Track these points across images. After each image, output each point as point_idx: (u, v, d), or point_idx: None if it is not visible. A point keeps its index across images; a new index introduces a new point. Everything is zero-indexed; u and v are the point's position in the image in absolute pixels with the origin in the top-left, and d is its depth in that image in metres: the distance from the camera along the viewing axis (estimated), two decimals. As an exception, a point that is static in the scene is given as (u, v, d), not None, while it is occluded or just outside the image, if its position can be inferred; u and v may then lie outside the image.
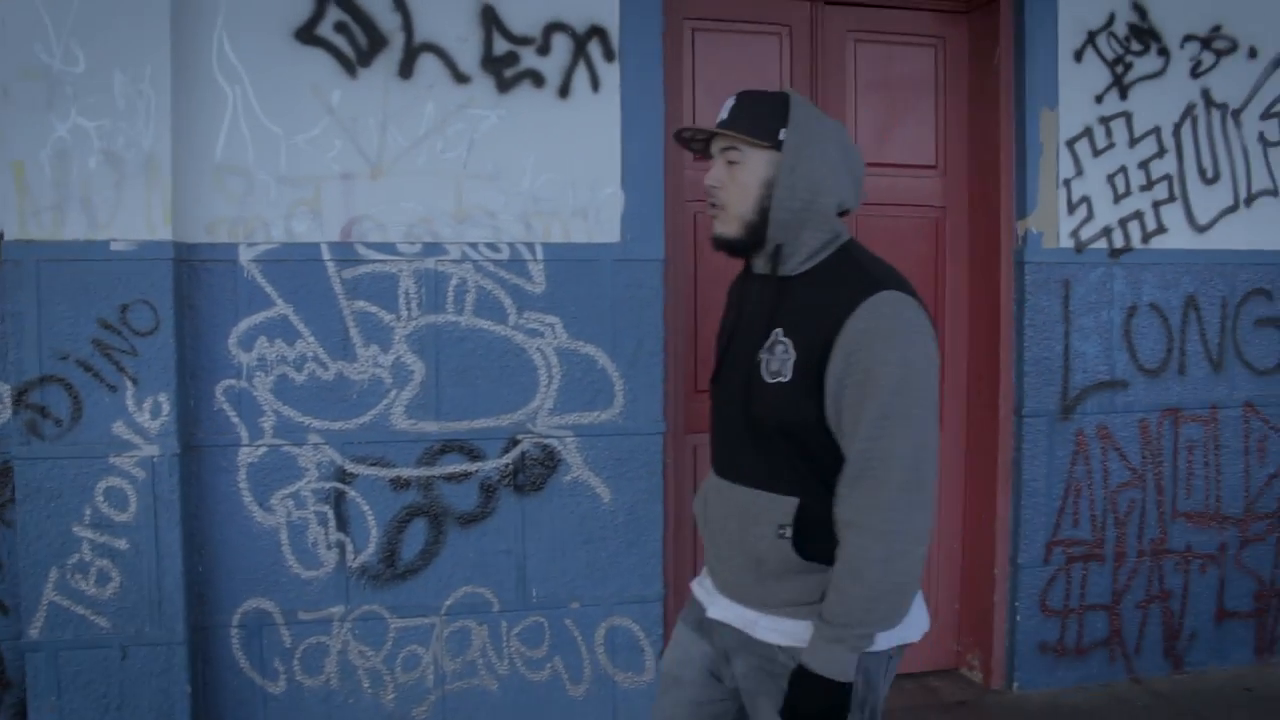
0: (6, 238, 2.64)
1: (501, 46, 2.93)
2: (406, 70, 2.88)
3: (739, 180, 1.58)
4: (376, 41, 2.86)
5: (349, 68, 2.85)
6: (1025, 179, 3.24)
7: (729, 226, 1.61)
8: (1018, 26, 3.24)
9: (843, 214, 1.63)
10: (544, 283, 2.97)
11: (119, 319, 2.67)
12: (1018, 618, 3.33)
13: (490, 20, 2.92)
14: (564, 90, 2.97)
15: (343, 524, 2.90)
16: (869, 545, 1.44)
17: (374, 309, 2.89)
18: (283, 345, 2.85)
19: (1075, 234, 3.29)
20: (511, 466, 2.98)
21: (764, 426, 1.56)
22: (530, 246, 2.95)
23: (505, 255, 2.94)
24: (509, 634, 3.01)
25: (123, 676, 2.73)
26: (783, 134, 1.55)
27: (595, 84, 2.98)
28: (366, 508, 2.90)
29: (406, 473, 2.92)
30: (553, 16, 2.95)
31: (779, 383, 1.53)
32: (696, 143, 1.69)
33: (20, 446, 2.65)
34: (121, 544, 2.69)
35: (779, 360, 1.54)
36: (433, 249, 2.90)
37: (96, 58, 2.63)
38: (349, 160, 2.86)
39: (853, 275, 1.52)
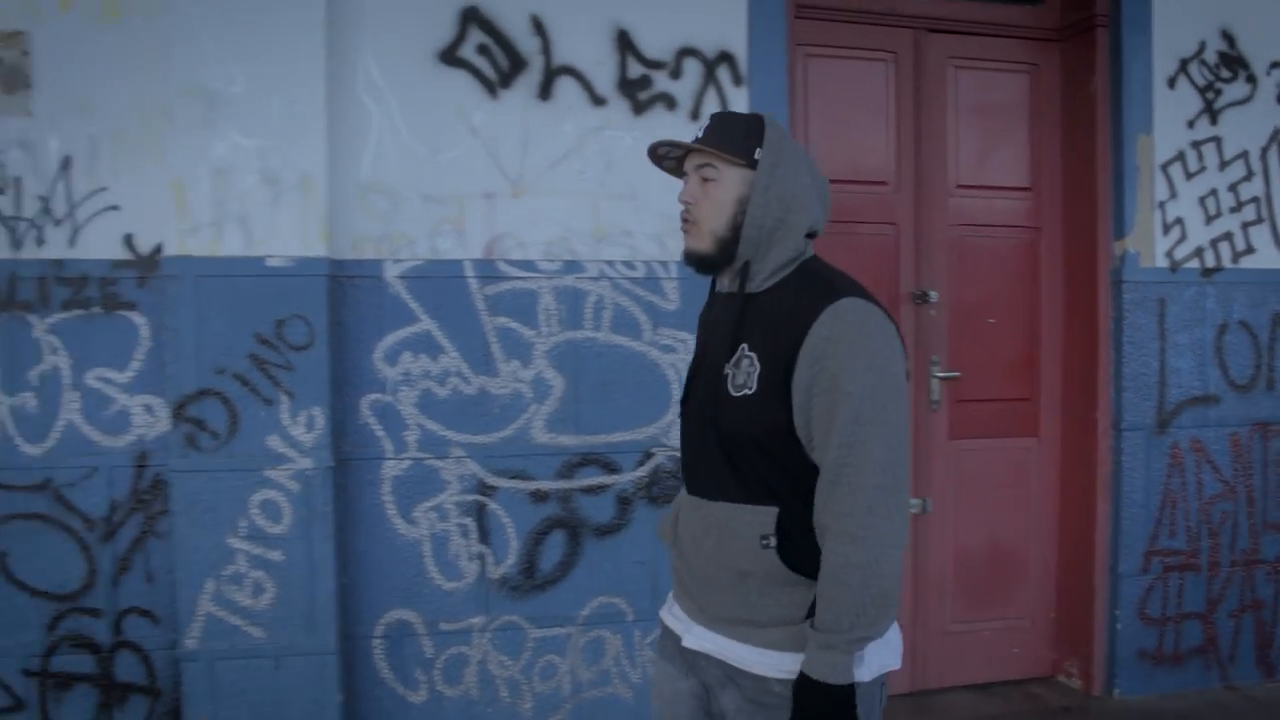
0: (167, 253, 2.69)
1: (636, 70, 3.02)
2: (545, 92, 2.97)
3: (713, 196, 1.59)
4: (516, 64, 2.95)
5: (490, 89, 2.94)
6: (1123, 201, 3.37)
7: (701, 242, 1.61)
8: (1114, 55, 3.38)
9: (810, 235, 1.64)
10: (677, 300, 3.06)
11: (275, 334, 2.72)
12: (1118, 626, 3.43)
13: (625, 45, 3.01)
14: (695, 113, 3.06)
15: (484, 536, 2.95)
16: (850, 550, 1.43)
17: (515, 325, 2.96)
18: (426, 360, 2.91)
19: (1170, 254, 3.42)
20: (646, 479, 3.05)
21: (734, 440, 1.55)
22: (664, 265, 3.04)
23: (641, 273, 3.03)
24: (642, 643, 3.07)
25: (276, 686, 2.76)
26: (758, 153, 1.58)
27: (724, 107, 3.07)
28: (507, 520, 2.96)
29: (546, 485, 2.99)
30: (684, 41, 3.05)
31: (744, 395, 1.53)
32: (669, 160, 1.71)
33: (179, 459, 2.69)
34: (276, 555, 2.74)
35: (744, 374, 1.54)
36: (572, 266, 2.98)
37: (254, 79, 2.70)
38: (491, 179, 2.93)
39: (814, 285, 1.54)
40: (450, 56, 2.91)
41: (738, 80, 3.09)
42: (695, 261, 1.65)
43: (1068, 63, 3.55)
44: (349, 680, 2.87)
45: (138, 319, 2.79)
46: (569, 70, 2.98)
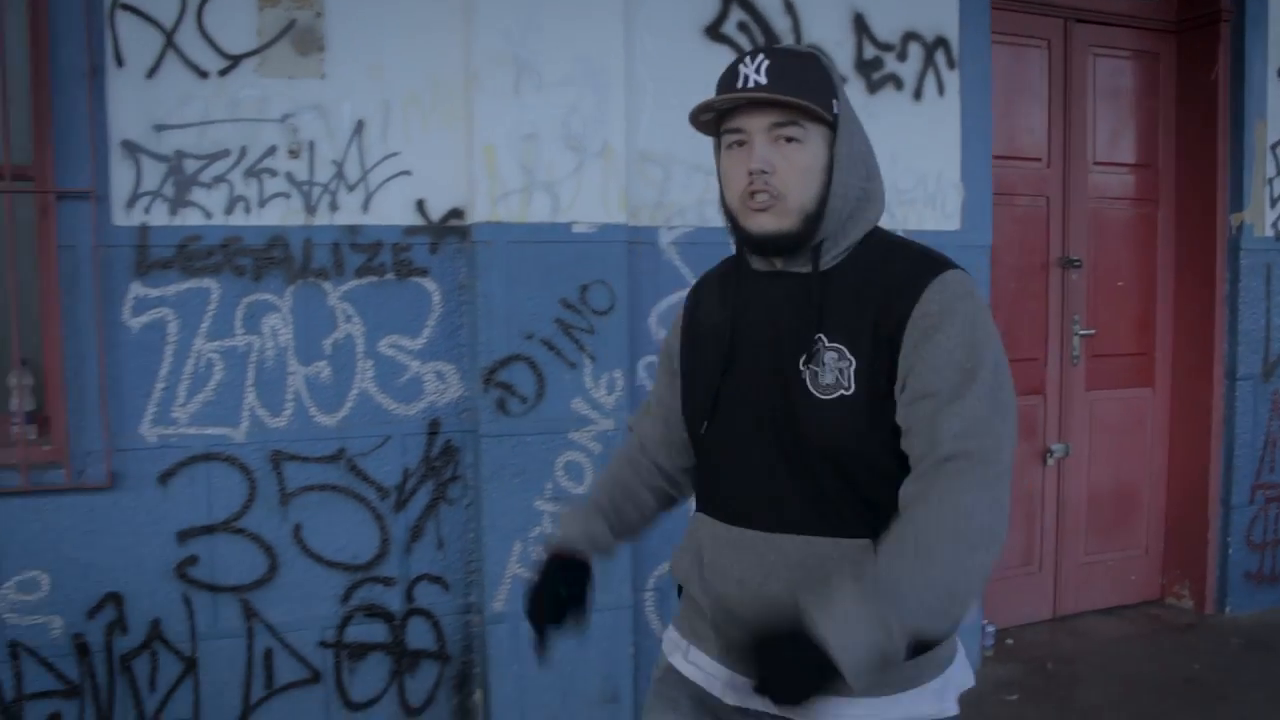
0: (478, 219, 2.71)
1: (869, 52, 3.23)
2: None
3: (799, 163, 1.26)
4: (771, 40, 3.09)
5: (747, 65, 3.07)
6: (1241, 178, 3.84)
7: (785, 220, 1.27)
8: (1235, 48, 3.82)
9: None
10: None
11: (579, 298, 2.80)
12: (1229, 551, 3.95)
13: (861, 28, 3.21)
14: (918, 93, 3.30)
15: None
16: (950, 521, 1.15)
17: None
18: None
19: (1275, 225, 3.92)
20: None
21: (823, 453, 1.26)
22: (895, 232, 3.26)
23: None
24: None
25: (575, 643, 2.85)
26: (835, 105, 1.29)
27: (941, 88, 3.32)
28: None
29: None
30: (908, 26, 3.27)
31: (840, 397, 1.24)
32: (706, 116, 1.34)
33: (488, 424, 2.74)
34: (579, 515, 2.82)
35: (832, 370, 1.25)
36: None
37: (558, 47, 2.74)
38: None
39: (904, 255, 1.30)
40: (714, 32, 3.03)
41: (951, 64, 3.34)
42: (771, 245, 1.30)
43: (1184, 52, 3.98)
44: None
45: (430, 285, 2.80)
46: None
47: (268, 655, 2.72)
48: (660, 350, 1.61)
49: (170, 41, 2.55)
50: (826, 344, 1.27)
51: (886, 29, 3.24)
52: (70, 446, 2.54)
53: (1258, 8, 3.79)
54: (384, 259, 2.75)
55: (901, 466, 1.24)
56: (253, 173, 2.63)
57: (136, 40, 2.53)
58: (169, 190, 2.57)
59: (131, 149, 2.54)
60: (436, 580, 2.85)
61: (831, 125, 1.29)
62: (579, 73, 2.76)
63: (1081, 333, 3.89)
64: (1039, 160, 3.80)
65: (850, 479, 1.26)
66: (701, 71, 2.95)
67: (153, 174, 2.56)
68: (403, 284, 2.77)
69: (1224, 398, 3.92)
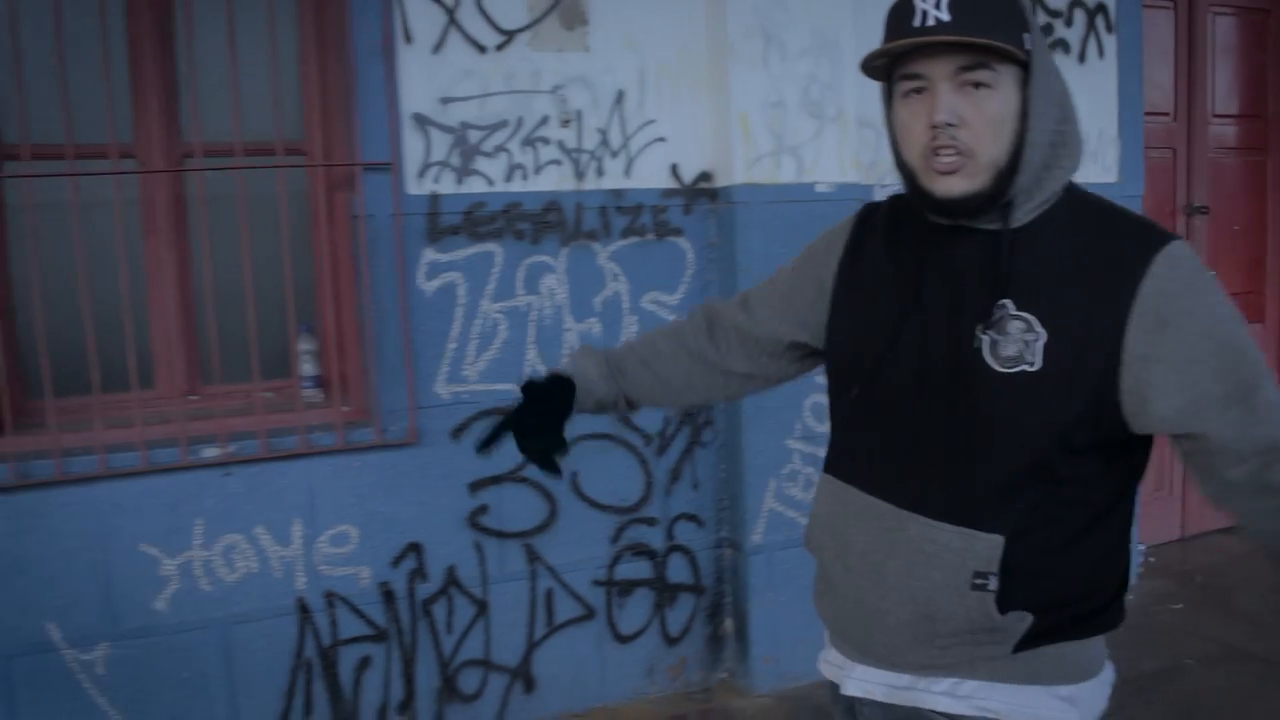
0: (735, 181, 2.90)
1: (1042, 18, 3.46)
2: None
3: (989, 112, 1.10)
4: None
5: (942, 31, 3.29)
6: (1346, 127, 4.16)
7: (976, 180, 1.12)
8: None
9: None
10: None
11: (819, 253, 3.00)
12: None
13: (1037, -5, 3.44)
14: (1082, 56, 3.54)
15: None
16: None
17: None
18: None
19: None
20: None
21: (989, 432, 1.14)
22: (1065, 185, 3.52)
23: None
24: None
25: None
26: (1027, 40, 1.12)
27: (1101, 51, 3.57)
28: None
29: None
30: (1074, -8, 3.52)
31: (1022, 372, 1.12)
32: (877, 61, 1.17)
33: (746, 371, 2.94)
34: (822, 451, 3.05)
35: (1016, 342, 1.12)
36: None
37: (800, 22, 2.93)
38: (943, 112, 3.30)
39: (1119, 224, 1.15)
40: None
41: (1109, 28, 3.58)
42: (963, 207, 1.14)
43: (1288, 10, 4.28)
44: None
45: (684, 244, 2.99)
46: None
47: (549, 595, 2.92)
48: (802, 255, 1.42)
49: (453, 19, 2.69)
50: (1013, 311, 1.13)
51: (1057, -4, 3.48)
52: (373, 406, 2.70)
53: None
54: (644, 220, 2.93)
55: (1080, 460, 1.13)
56: (528, 141, 2.79)
57: (423, 18, 2.67)
58: (455, 160, 2.72)
59: (421, 121, 2.68)
60: (692, 518, 3.07)
61: (1024, 64, 1.11)
62: (816, 45, 2.96)
63: (1205, 275, 4.19)
64: (1167, 115, 4.07)
65: (1010, 466, 1.13)
66: None
67: (440, 145, 2.71)
68: (661, 244, 2.96)
69: (1329, 330, 4.26)
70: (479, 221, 2.75)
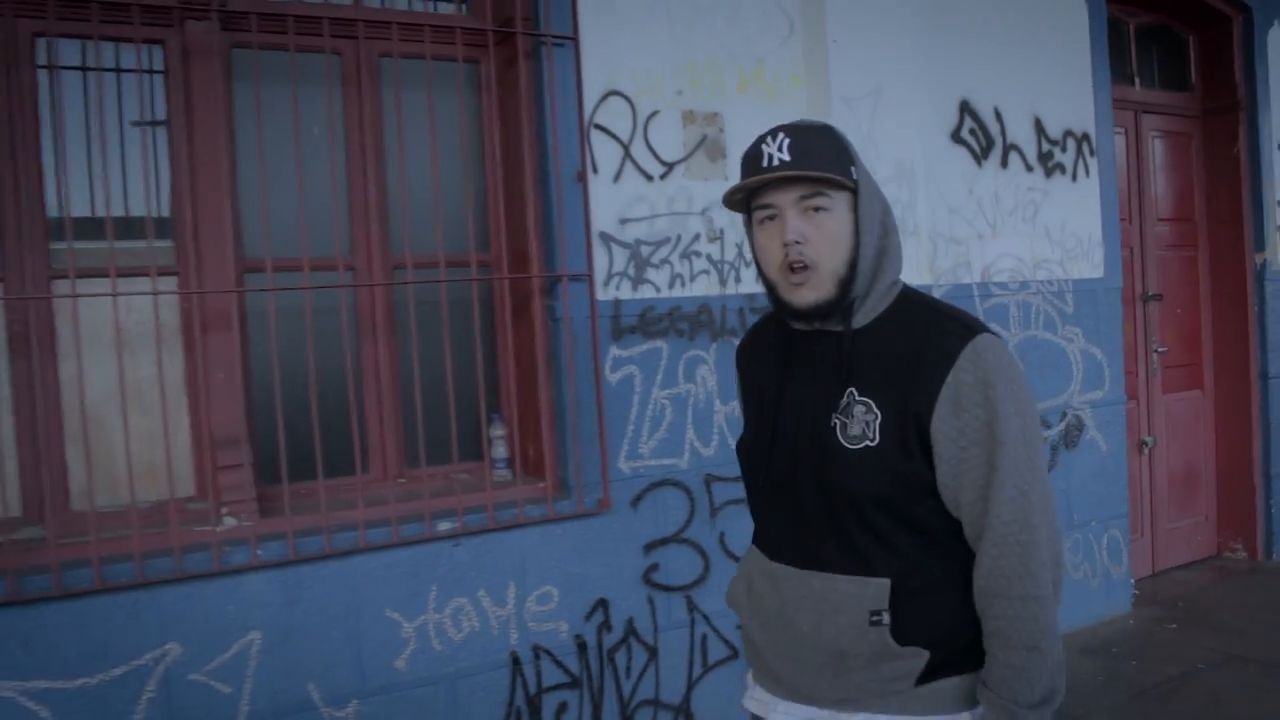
0: None
1: (1045, 147, 4.28)
2: (1004, 162, 4.14)
3: (829, 231, 1.34)
4: (988, 143, 4.09)
5: (977, 160, 4.06)
6: (1262, 227, 5.15)
7: (822, 289, 1.35)
8: (1251, 132, 5.15)
9: None
10: (1072, 305, 4.35)
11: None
12: (1272, 510, 5.20)
13: (1039, 129, 4.26)
14: (1074, 175, 4.38)
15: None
16: (1038, 614, 1.29)
17: (998, 328, 4.09)
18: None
19: (1280, 261, 5.27)
20: (1063, 431, 4.30)
21: (851, 499, 1.35)
22: (1066, 282, 4.32)
23: (1055, 289, 4.28)
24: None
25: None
26: (854, 171, 1.37)
27: (1087, 171, 4.42)
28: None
29: (1018, 443, 4.14)
30: (1066, 125, 4.36)
31: (865, 448, 1.34)
32: (737, 195, 1.41)
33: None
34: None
35: (859, 423, 1.35)
36: (1024, 285, 4.17)
37: (887, 152, 3.62)
38: (980, 225, 4.05)
39: (936, 320, 1.37)
40: (955, 136, 3.99)
41: (1092, 151, 4.44)
42: (813, 313, 1.38)
43: (1209, 134, 5.29)
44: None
45: (799, 337, 3.58)
46: (1014, 147, 4.18)
47: (704, 640, 3.40)
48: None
49: (628, 153, 3.26)
50: (856, 398, 1.36)
51: (1055, 128, 4.31)
52: (569, 480, 3.16)
53: (1264, 95, 5.14)
54: (768, 318, 3.51)
55: (926, 515, 1.36)
56: (685, 254, 3.35)
57: (606, 153, 3.22)
58: (631, 270, 3.26)
59: (605, 239, 3.22)
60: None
61: (853, 190, 1.36)
62: (897, 173, 3.65)
63: (1159, 350, 5.07)
64: (1125, 219, 4.97)
65: (872, 524, 1.35)
66: (949, 167, 3.92)
67: (620, 258, 3.24)
68: (780, 337, 3.54)
69: (1259, 393, 5.19)
70: (650, 322, 3.28)
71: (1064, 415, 4.29)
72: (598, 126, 3.20)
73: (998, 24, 4.10)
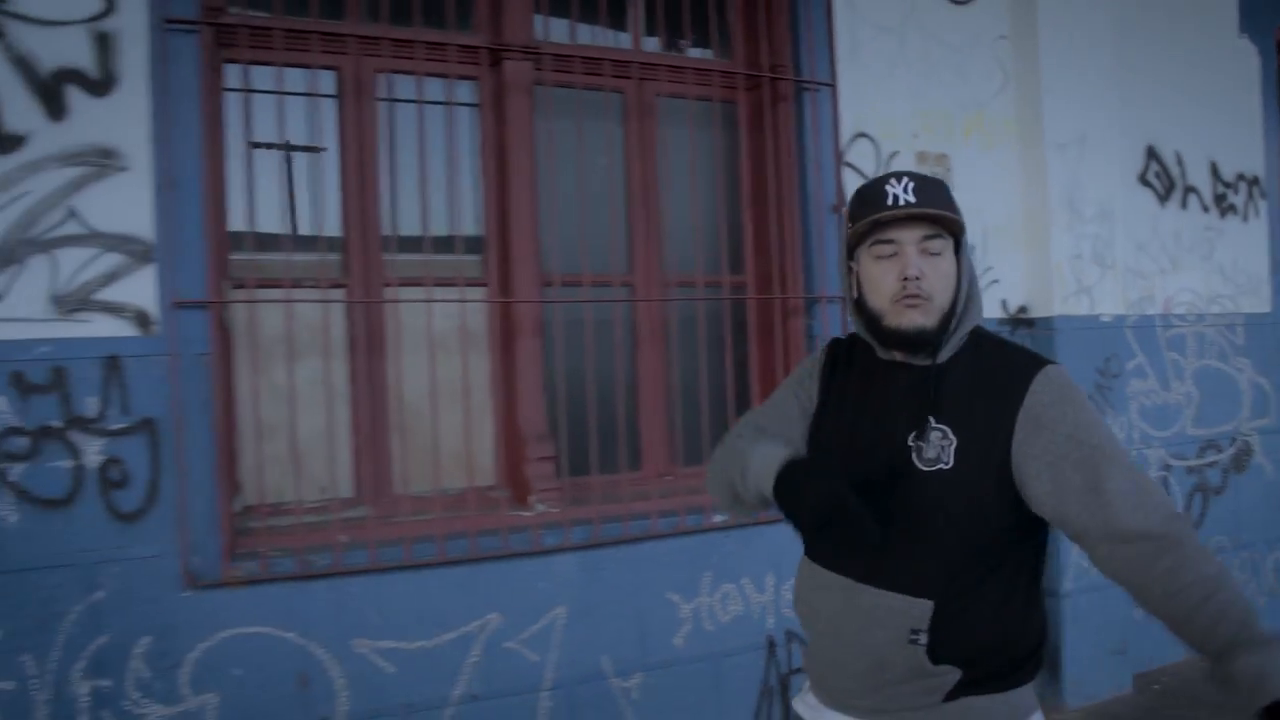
0: (1052, 313, 3.86)
1: (1219, 189, 4.59)
2: (1184, 203, 4.45)
3: (942, 270, 1.48)
4: (1170, 185, 4.41)
5: (1160, 200, 4.38)
6: None
7: (930, 318, 1.47)
8: None
9: None
10: (1243, 338, 4.64)
11: (1104, 367, 3.98)
12: None
13: (1215, 173, 4.57)
14: (1245, 216, 4.68)
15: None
16: (1201, 566, 1.33)
17: (1177, 357, 4.39)
18: (1138, 381, 4.26)
19: None
20: (1234, 455, 4.58)
21: (914, 518, 1.44)
22: (1237, 315, 4.61)
23: (1227, 321, 4.58)
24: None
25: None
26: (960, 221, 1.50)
27: (1256, 211, 4.72)
28: (1176, 487, 4.37)
29: (1191, 462, 4.43)
30: (1239, 169, 4.67)
31: (938, 470, 1.44)
32: (864, 227, 1.49)
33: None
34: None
35: (934, 447, 1.45)
36: (1200, 318, 4.47)
37: (1090, 193, 3.95)
38: (1162, 261, 4.37)
39: (1010, 354, 1.51)
40: (1142, 178, 4.32)
41: (1262, 194, 4.74)
42: (920, 339, 1.48)
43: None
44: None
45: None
46: (1192, 189, 4.49)
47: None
48: (792, 380, 1.72)
49: (870, 192, 3.61)
50: (934, 424, 1.45)
51: (1228, 172, 4.62)
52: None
53: None
54: (984, 341, 3.85)
55: (990, 539, 1.43)
56: (916, 282, 3.70)
57: (852, 188, 3.57)
58: (871, 296, 3.60)
59: (851, 267, 3.57)
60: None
61: (957, 239, 1.50)
62: (1099, 213, 3.98)
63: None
64: (1278, 259, 5.25)
65: (933, 544, 1.43)
66: (1135, 207, 4.24)
67: (862, 285, 3.59)
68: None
69: None
70: (886, 342, 3.63)
71: (1234, 440, 4.57)
72: (847, 164, 3.57)
73: (1179, 74, 4.43)
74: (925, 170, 3.72)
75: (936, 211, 1.45)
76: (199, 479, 2.63)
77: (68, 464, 2.51)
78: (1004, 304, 3.91)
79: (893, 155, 3.66)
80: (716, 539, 3.31)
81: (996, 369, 1.47)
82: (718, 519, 3.29)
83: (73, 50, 2.53)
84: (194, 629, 2.62)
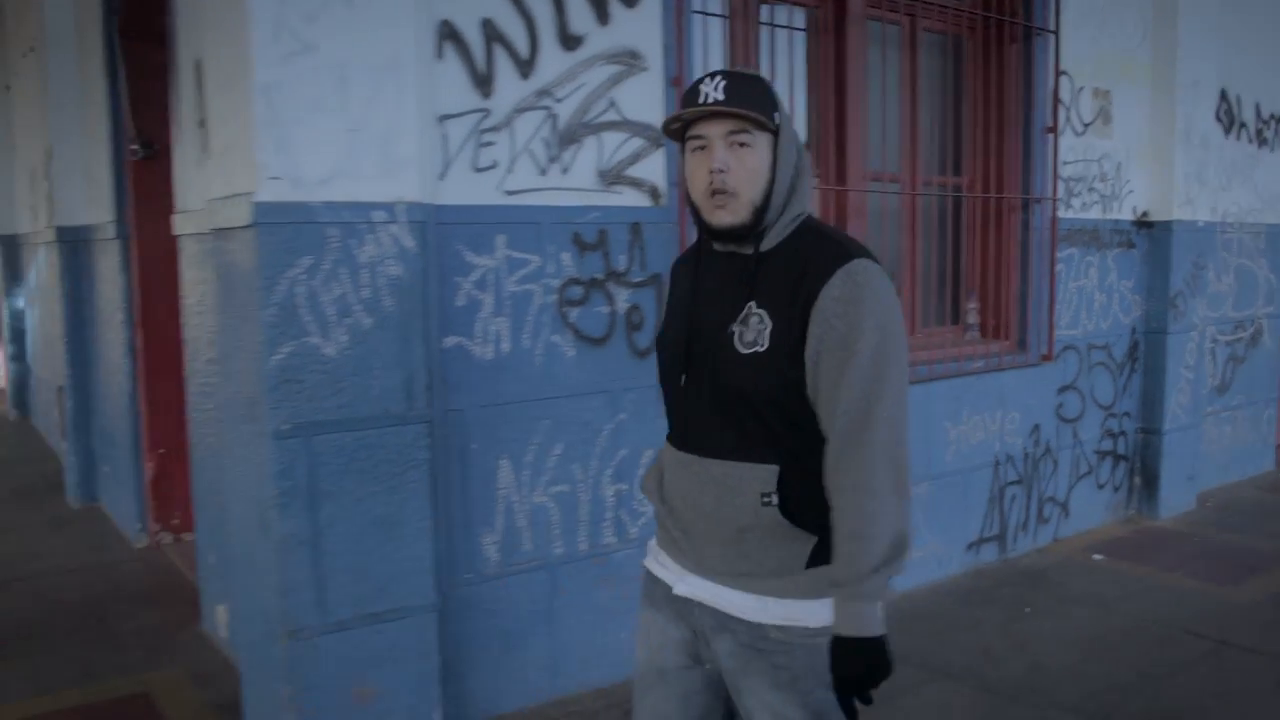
0: (1171, 218, 5.06)
1: (1259, 125, 5.91)
2: (1239, 136, 5.74)
3: (749, 165, 1.53)
4: (1231, 121, 5.68)
5: (1225, 133, 5.64)
6: None
7: (739, 214, 1.54)
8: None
9: None
10: (1264, 243, 6.03)
11: (1193, 269, 5.24)
12: None
13: (1257, 112, 5.88)
14: (1273, 147, 6.03)
15: (1212, 368, 5.72)
16: (865, 503, 1.46)
17: (1225, 255, 5.73)
18: (1207, 279, 5.57)
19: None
20: (1251, 334, 6.00)
21: (741, 396, 1.55)
22: (1261, 225, 5.99)
23: (1256, 230, 5.95)
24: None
25: (1191, 445, 5.33)
26: (776, 117, 1.55)
27: None
28: (1221, 355, 5.75)
29: (1229, 337, 5.81)
30: (1272, 110, 5.99)
31: (755, 352, 1.53)
32: (673, 125, 1.58)
33: (1173, 326, 5.12)
34: (1205, 377, 5.28)
35: (754, 331, 1.54)
36: (1241, 226, 5.82)
37: (1205, 119, 5.15)
38: (1222, 180, 5.65)
39: (824, 244, 1.55)
40: (1217, 115, 5.55)
41: (1291, 130, 6.10)
42: (729, 234, 1.57)
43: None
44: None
45: (1135, 253, 5.09)
46: (1244, 124, 5.78)
47: (1076, 460, 4.91)
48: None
49: (1067, 116, 4.66)
50: (754, 309, 1.55)
51: (1266, 112, 5.94)
52: (1023, 339, 4.59)
53: None
54: (1125, 238, 5.01)
55: (804, 411, 1.53)
56: (1092, 189, 4.80)
57: (1061, 114, 4.61)
58: (1066, 198, 4.68)
59: (1061, 175, 4.62)
60: (1127, 415, 5.17)
61: (774, 133, 1.55)
62: (1202, 141, 5.18)
63: None
64: None
65: (760, 417, 1.54)
66: (1212, 135, 5.47)
67: (1062, 189, 4.65)
68: (1127, 252, 5.05)
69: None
70: (1071, 235, 4.72)
71: (1254, 321, 5.99)
72: (1062, 71, 4.59)
73: (1247, 28, 5.66)
74: (1098, 103, 4.79)
75: (732, 110, 1.50)
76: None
77: (605, 309, 3.24)
78: (1134, 209, 5.07)
79: (1079, 90, 4.70)
80: (969, 383, 4.35)
81: (810, 258, 1.53)
82: (974, 365, 4.32)
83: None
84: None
